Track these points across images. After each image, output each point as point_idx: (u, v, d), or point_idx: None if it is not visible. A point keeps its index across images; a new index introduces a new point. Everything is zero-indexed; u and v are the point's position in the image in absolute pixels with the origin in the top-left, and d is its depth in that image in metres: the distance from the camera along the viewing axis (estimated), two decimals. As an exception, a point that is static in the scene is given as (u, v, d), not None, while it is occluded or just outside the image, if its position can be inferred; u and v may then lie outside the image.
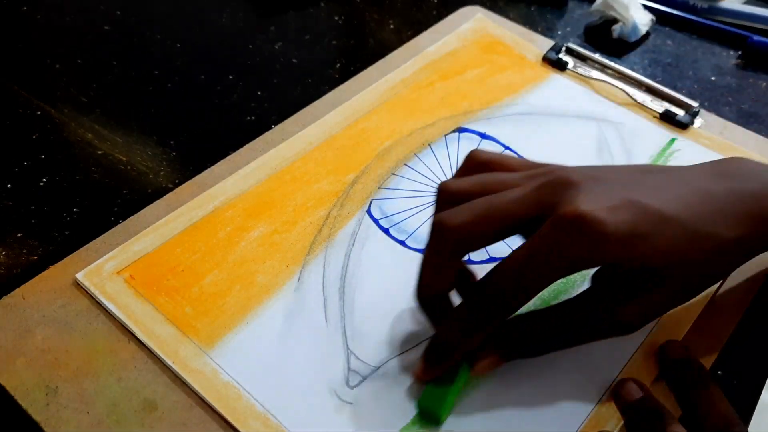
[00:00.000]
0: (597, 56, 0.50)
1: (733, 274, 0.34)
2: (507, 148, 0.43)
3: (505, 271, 0.28)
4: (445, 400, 0.30)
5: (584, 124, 0.45)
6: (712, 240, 0.28)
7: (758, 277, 0.37)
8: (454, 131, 0.44)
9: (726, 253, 0.29)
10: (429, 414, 0.30)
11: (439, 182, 0.41)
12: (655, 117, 0.46)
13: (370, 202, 0.40)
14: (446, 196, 0.31)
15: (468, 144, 0.44)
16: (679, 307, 0.32)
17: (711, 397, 0.31)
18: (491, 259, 0.37)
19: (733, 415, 0.30)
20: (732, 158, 0.32)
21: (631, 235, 0.27)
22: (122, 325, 0.34)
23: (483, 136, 0.44)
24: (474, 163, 0.33)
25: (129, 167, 0.43)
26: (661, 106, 0.46)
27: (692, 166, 0.32)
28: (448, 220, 0.29)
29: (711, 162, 0.32)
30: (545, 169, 0.31)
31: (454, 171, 0.42)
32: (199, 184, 0.41)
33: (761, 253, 0.31)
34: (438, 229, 0.29)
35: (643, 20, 0.53)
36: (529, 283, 0.28)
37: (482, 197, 0.30)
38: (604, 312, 0.30)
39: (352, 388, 0.32)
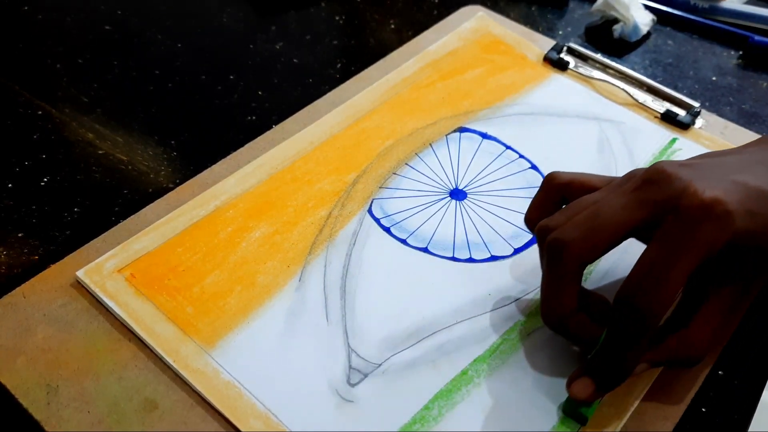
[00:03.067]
0: (598, 56, 0.50)
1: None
2: (508, 147, 0.43)
3: (648, 277, 0.28)
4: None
5: (585, 123, 0.45)
6: None
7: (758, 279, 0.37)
8: (455, 131, 0.44)
9: None
10: (578, 415, 0.31)
11: (439, 181, 0.41)
12: (656, 117, 0.46)
13: (372, 202, 0.40)
14: (545, 233, 0.31)
15: (469, 144, 0.44)
16: None
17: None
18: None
19: None
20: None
21: (746, 213, 0.28)
22: (123, 324, 0.34)
23: (484, 135, 0.44)
24: (553, 186, 0.33)
25: (130, 167, 0.43)
26: (662, 106, 0.46)
27: (743, 148, 0.33)
28: (563, 237, 0.29)
29: (756, 143, 0.33)
30: (629, 174, 0.31)
31: (455, 171, 0.42)
32: (200, 183, 0.40)
33: None
34: (556, 248, 0.30)
35: (643, 20, 0.53)
36: (673, 282, 0.27)
37: (582, 212, 0.30)
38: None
39: (353, 386, 0.32)
